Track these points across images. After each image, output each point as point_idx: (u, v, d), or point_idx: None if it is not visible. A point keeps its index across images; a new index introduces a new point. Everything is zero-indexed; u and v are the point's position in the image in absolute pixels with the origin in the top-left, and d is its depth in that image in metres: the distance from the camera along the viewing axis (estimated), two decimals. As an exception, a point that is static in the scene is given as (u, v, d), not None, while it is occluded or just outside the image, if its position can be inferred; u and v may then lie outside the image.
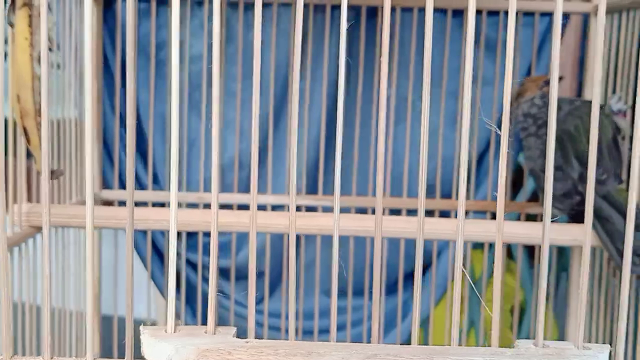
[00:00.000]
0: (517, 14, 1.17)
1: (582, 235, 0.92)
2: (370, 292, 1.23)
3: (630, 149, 0.98)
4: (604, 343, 1.09)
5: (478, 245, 1.37)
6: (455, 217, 1.22)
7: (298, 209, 1.19)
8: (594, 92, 0.50)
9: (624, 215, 0.90)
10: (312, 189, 1.22)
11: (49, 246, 0.50)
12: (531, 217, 1.22)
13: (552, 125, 0.48)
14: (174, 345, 0.48)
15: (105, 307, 1.26)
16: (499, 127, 0.48)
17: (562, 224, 0.96)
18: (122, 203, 1.18)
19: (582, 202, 0.98)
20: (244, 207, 1.19)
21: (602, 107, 1.04)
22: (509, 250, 1.47)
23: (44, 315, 0.50)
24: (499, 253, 0.50)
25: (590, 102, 1.08)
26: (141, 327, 0.50)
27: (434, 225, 0.90)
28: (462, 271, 0.51)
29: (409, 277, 1.25)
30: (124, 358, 0.51)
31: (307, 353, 0.48)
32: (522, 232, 0.90)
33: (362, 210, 1.21)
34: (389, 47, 0.49)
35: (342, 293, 1.25)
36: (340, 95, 0.49)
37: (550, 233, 0.88)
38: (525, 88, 1.11)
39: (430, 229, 0.89)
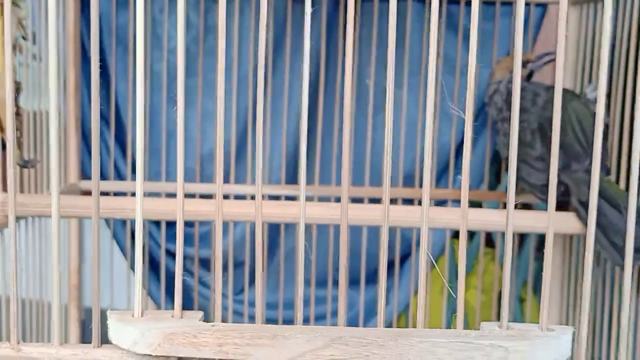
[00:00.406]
0: (495, 3, 1.18)
1: (560, 223, 0.93)
2: (352, 282, 1.24)
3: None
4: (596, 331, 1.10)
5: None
6: (437, 205, 1.22)
7: (277, 198, 1.19)
8: (557, 77, 0.51)
9: (615, 207, 0.91)
10: (291, 179, 1.23)
11: (15, 235, 0.50)
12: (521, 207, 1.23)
13: (515, 116, 0.49)
14: (140, 330, 0.48)
15: (89, 298, 1.26)
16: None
17: (539, 212, 0.97)
18: (102, 193, 1.17)
19: (566, 193, 0.99)
20: (224, 197, 1.19)
21: (579, 96, 1.05)
22: (490, 239, 1.47)
23: (12, 302, 0.50)
24: (463, 240, 0.50)
25: (569, 90, 1.08)
26: (108, 312, 0.50)
27: (404, 214, 0.91)
28: (428, 256, 0.52)
29: (390, 266, 1.25)
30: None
31: (272, 336, 0.48)
32: (490, 220, 0.91)
33: (325, 199, 1.21)
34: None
35: (322, 283, 1.25)
36: (304, 85, 0.49)
37: (527, 220, 0.89)
38: (495, 70, 1.11)
39: (400, 217, 0.90)
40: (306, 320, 1.26)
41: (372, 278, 1.25)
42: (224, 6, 0.49)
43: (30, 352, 0.50)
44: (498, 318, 1.36)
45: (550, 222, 0.50)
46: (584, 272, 0.50)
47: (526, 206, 1.21)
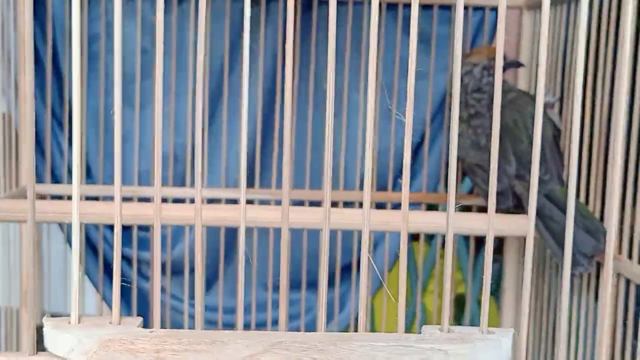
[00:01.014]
0: (450, 7, 1.19)
1: (513, 225, 0.94)
2: (310, 284, 1.24)
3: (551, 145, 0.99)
4: (546, 334, 1.11)
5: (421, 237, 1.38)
6: (393, 208, 1.22)
7: (234, 202, 1.19)
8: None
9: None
10: (248, 183, 1.22)
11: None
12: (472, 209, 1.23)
13: (455, 110, 0.49)
14: (77, 336, 0.47)
15: (55, 305, 1.24)
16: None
17: (482, 214, 0.97)
18: (54, 197, 1.16)
19: (518, 205, 0.99)
20: (179, 201, 1.19)
21: (533, 99, 1.04)
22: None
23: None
24: (404, 242, 0.50)
25: (526, 93, 1.09)
26: (44, 319, 0.49)
27: (346, 217, 0.91)
28: (369, 259, 0.51)
29: (346, 269, 1.25)
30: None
31: (210, 342, 0.48)
32: (432, 221, 0.92)
33: (299, 203, 1.21)
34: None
35: (277, 287, 1.25)
36: (244, 82, 0.49)
37: (469, 222, 0.90)
38: (473, 53, 1.09)
39: (342, 220, 0.90)
40: (262, 325, 1.25)
41: (329, 281, 1.25)
42: (204, 8, 0.48)
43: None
44: (457, 322, 1.37)
45: (490, 224, 0.50)
46: (523, 277, 0.50)
47: (483, 210, 1.22)
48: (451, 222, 0.51)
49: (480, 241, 1.45)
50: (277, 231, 1.21)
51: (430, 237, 1.38)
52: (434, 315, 1.29)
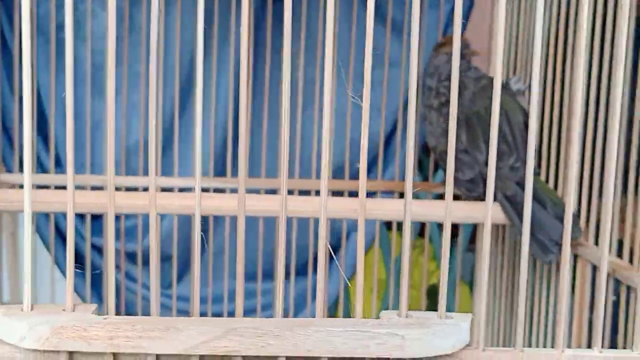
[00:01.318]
0: (422, -5, 1.19)
1: (475, 213, 0.94)
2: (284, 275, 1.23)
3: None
4: (509, 321, 1.11)
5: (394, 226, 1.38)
6: (368, 197, 1.22)
7: (206, 191, 1.18)
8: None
9: (540, 202, 0.91)
10: (220, 172, 1.21)
11: None
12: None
13: (412, 98, 0.49)
14: (28, 324, 0.47)
15: (6, 294, 1.23)
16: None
17: (440, 201, 0.97)
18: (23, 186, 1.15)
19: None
20: (145, 190, 1.18)
21: (506, 87, 1.04)
22: (423, 231, 1.47)
23: None
24: (361, 229, 0.50)
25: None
26: (-5, 306, 0.49)
27: (304, 204, 0.91)
28: (328, 247, 0.51)
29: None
30: None
31: (165, 328, 0.47)
32: (389, 209, 0.92)
33: (272, 192, 1.20)
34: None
35: (252, 276, 1.24)
36: (198, 72, 0.48)
37: (429, 209, 0.90)
38: (446, 41, 1.08)
39: (300, 207, 0.90)
40: (233, 314, 1.24)
41: (302, 271, 1.25)
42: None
43: None
44: (432, 308, 1.37)
45: (448, 210, 0.50)
46: (480, 261, 0.50)
47: (456, 198, 1.22)
48: (409, 209, 0.51)
49: (456, 229, 1.45)
50: (250, 221, 1.20)
51: (400, 225, 1.38)
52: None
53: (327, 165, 0.49)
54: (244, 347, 0.48)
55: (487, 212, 0.50)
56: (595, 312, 0.85)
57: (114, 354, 0.48)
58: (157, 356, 0.48)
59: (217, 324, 0.48)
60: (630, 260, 0.77)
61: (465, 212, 0.94)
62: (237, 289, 0.50)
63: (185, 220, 1.21)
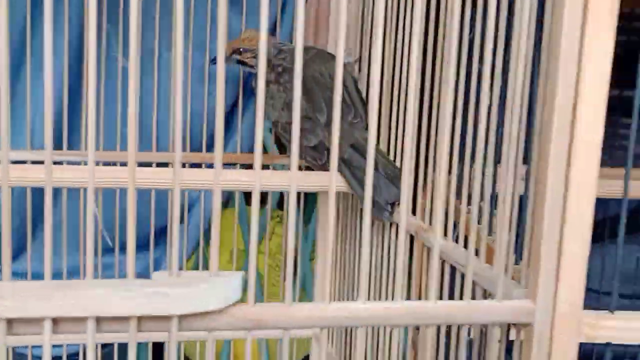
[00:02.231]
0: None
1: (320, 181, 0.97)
2: (122, 247, 1.22)
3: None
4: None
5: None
6: (207, 168, 1.22)
7: (40, 164, 1.15)
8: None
9: (375, 165, 0.94)
10: (56, 145, 1.19)
11: None
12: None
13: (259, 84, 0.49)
14: None
15: None
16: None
17: (284, 171, 0.99)
18: None
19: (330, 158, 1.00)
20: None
21: (332, 56, 1.06)
22: (282, 201, 1.48)
23: None
24: (218, 202, 0.51)
25: (323, 50, 1.11)
26: None
27: (154, 175, 0.91)
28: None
29: (162, 232, 1.25)
30: None
31: None
32: (239, 180, 0.93)
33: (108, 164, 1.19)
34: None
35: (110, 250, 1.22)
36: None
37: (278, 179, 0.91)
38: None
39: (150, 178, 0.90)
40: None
41: (143, 244, 1.23)
42: None
43: None
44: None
45: (292, 182, 0.51)
46: (328, 224, 0.52)
47: (309, 168, 1.24)
48: (258, 180, 0.51)
49: (307, 200, 1.48)
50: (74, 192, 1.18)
51: (263, 197, 1.39)
52: (265, 276, 1.29)
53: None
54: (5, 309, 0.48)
55: (331, 177, 0.52)
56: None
57: None
58: None
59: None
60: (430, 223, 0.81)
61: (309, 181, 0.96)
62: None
63: (22, 194, 1.18)
